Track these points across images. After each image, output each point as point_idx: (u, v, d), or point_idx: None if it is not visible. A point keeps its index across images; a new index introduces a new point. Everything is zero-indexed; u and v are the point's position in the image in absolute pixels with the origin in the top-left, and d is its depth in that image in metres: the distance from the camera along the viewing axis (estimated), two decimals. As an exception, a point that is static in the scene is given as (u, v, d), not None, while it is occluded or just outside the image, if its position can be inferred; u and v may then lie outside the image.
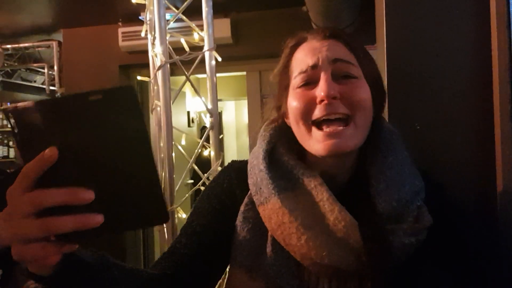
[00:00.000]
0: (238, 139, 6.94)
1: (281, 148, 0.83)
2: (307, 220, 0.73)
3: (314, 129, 0.77)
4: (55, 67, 4.59)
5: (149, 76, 2.00)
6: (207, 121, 1.98)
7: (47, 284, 0.57)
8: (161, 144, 1.76)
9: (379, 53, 1.22)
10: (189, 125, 5.83)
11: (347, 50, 0.79)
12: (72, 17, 4.15)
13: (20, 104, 0.49)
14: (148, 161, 0.50)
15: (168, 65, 1.76)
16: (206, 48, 1.92)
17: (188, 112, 5.85)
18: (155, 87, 1.83)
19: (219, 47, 1.99)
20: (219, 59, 1.95)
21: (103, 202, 0.49)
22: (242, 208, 0.83)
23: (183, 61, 1.93)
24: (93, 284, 0.65)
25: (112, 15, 4.04)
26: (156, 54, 1.75)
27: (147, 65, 4.20)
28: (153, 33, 1.82)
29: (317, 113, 0.76)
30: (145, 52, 3.69)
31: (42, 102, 0.48)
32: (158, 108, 1.84)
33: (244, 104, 6.54)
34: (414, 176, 0.79)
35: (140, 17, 3.94)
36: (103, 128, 0.49)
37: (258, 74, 4.24)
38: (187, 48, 1.90)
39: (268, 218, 0.77)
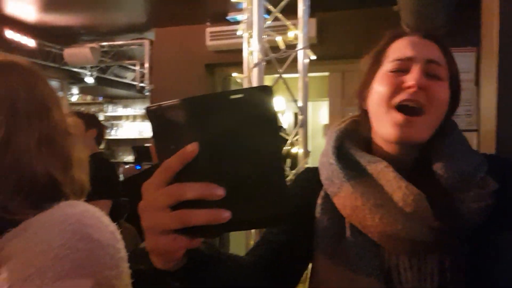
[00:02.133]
0: (314, 140, 6.91)
1: (348, 144, 0.90)
2: (378, 200, 0.78)
3: (393, 111, 0.82)
4: (146, 65, 4.85)
5: (237, 74, 2.04)
6: (286, 120, 1.99)
7: (173, 279, 0.61)
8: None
9: (485, 54, 1.16)
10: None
11: (441, 53, 0.85)
12: (164, 17, 4.37)
13: (164, 103, 0.52)
14: (277, 161, 0.51)
15: (263, 63, 1.79)
16: (300, 46, 1.94)
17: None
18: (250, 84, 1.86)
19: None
20: (313, 57, 1.96)
21: (231, 199, 0.50)
22: (319, 201, 0.89)
23: (271, 60, 1.96)
24: (214, 276, 0.68)
25: (201, 16, 4.19)
26: (252, 52, 1.80)
27: (232, 64, 4.37)
28: (249, 31, 1.87)
29: (401, 97, 0.81)
30: (231, 51, 3.78)
31: (187, 100, 0.51)
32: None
33: (320, 105, 6.50)
34: (474, 153, 0.85)
35: (227, 18, 4.06)
36: (240, 126, 0.50)
37: (341, 75, 4.19)
38: (282, 46, 1.93)
39: (343, 206, 0.83)
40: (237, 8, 4.04)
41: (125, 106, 8.20)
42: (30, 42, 4.56)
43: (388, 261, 0.80)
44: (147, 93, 5.60)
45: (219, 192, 0.49)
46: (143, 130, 7.79)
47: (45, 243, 0.66)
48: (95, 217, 0.73)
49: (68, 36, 4.92)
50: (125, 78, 5.98)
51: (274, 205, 0.51)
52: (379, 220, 0.77)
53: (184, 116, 0.50)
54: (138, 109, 7.99)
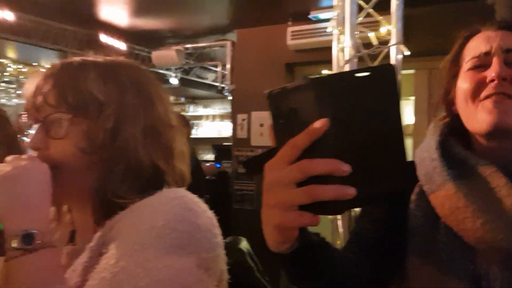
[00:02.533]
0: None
1: (452, 141, 0.86)
2: (483, 204, 0.75)
3: (481, 104, 0.80)
4: (228, 66, 4.97)
5: (314, 73, 2.02)
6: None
7: (286, 262, 0.63)
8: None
9: None
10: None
11: None
12: (246, 17, 4.45)
13: (288, 85, 0.54)
14: (400, 138, 0.52)
15: (355, 60, 1.76)
16: (393, 42, 1.88)
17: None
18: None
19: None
20: (407, 53, 1.90)
21: (354, 175, 0.50)
22: (412, 197, 0.86)
23: (362, 56, 1.92)
24: (323, 262, 0.69)
25: (282, 15, 4.21)
26: (343, 48, 1.77)
27: (313, 63, 4.35)
28: (339, 28, 1.85)
29: (486, 92, 0.79)
30: (312, 50, 3.75)
31: (315, 80, 0.51)
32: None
33: (405, 104, 6.26)
34: None
35: (309, 16, 4.04)
36: (366, 103, 0.51)
37: (427, 73, 4.00)
38: (375, 42, 1.89)
39: (440, 204, 0.80)
40: (320, 7, 4.03)
41: (205, 106, 8.48)
42: (121, 45, 4.85)
43: (479, 268, 0.77)
44: (226, 93, 5.74)
45: (346, 168, 0.50)
46: (222, 129, 8.01)
47: (149, 223, 0.72)
48: (194, 202, 0.78)
49: (156, 39, 5.17)
50: (206, 79, 6.17)
51: (394, 181, 0.52)
52: (480, 225, 0.73)
53: (311, 95, 0.51)
54: (218, 109, 8.22)
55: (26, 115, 0.83)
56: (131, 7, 4.29)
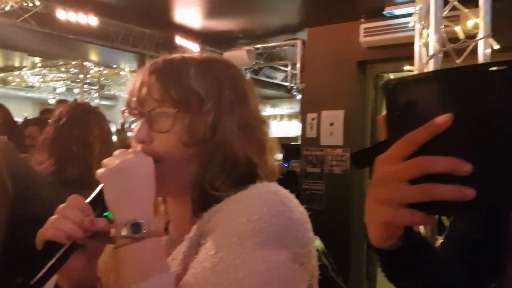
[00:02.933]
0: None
1: None
2: None
3: None
4: (298, 65, 4.96)
5: (410, 67, 1.95)
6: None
7: (389, 259, 0.61)
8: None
9: None
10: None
11: None
12: (317, 16, 4.41)
13: (409, 76, 0.52)
14: None
15: (440, 54, 1.69)
16: (480, 35, 1.78)
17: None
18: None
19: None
20: (496, 46, 1.79)
21: (475, 177, 0.47)
22: None
23: (446, 52, 1.83)
24: (426, 263, 0.66)
25: (355, 12, 4.14)
26: (426, 44, 1.71)
27: (386, 60, 4.22)
28: (421, 22, 1.78)
29: None
30: (385, 47, 3.63)
31: (440, 71, 0.50)
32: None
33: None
34: None
35: (384, 12, 3.94)
36: (499, 100, 0.47)
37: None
38: (462, 36, 1.80)
39: None
40: (395, 2, 3.91)
41: (273, 106, 8.54)
42: (195, 47, 5.00)
43: None
44: (295, 93, 5.72)
45: (467, 168, 0.47)
46: (290, 129, 8.00)
47: (245, 216, 0.73)
48: (287, 197, 0.79)
49: (227, 40, 5.28)
50: (275, 78, 6.20)
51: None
52: None
53: (434, 87, 0.49)
54: (286, 108, 8.24)
55: (129, 110, 0.87)
56: (204, 9, 4.41)
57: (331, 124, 4.35)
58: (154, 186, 0.79)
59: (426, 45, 1.71)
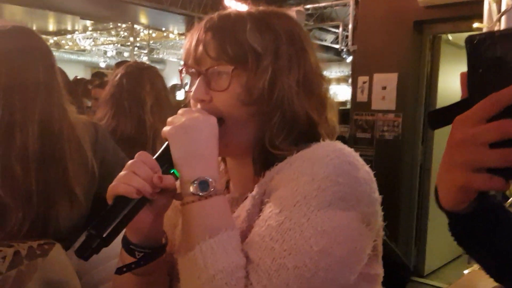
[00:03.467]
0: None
1: None
2: None
3: None
4: (350, 25, 4.79)
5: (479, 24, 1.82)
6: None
7: (461, 222, 0.59)
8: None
9: None
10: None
11: None
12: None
13: (499, 31, 0.49)
14: None
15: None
16: None
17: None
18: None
19: None
20: None
21: None
22: None
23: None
24: (500, 228, 0.62)
25: (413, -32, 3.90)
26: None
27: (445, 20, 3.99)
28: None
29: None
30: (445, 5, 3.42)
31: None
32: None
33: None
34: None
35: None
36: None
37: None
38: (541, -11, 1.64)
39: None
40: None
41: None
42: (244, 8, 4.91)
43: None
44: (344, 56, 5.55)
45: None
46: (339, 93, 7.84)
47: (309, 175, 0.72)
48: (352, 155, 0.77)
49: (277, 0, 5.14)
50: (325, 40, 6.04)
51: None
52: None
53: None
54: (334, 72, 8.05)
55: (186, 69, 0.86)
56: (254, -32, 4.28)
57: (384, 88, 4.21)
58: (217, 145, 0.78)
59: (497, 0, 1.58)
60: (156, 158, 0.77)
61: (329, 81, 0.88)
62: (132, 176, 0.73)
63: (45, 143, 1.11)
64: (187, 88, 0.88)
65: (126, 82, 1.85)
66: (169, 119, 0.79)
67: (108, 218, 0.71)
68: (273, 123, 0.80)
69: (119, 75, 1.88)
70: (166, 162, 0.76)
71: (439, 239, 4.40)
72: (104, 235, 0.69)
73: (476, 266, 2.31)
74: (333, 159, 0.73)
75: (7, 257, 0.98)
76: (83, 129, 1.23)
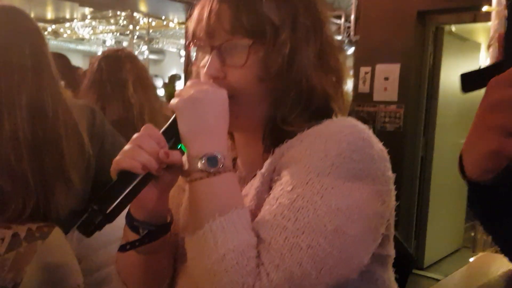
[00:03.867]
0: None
1: None
2: None
3: None
4: (352, 16, 4.73)
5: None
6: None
7: (487, 193, 0.56)
8: None
9: None
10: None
11: None
12: (376, -38, 4.14)
13: None
14: None
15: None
16: None
17: (480, 67, 5.28)
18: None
19: None
20: None
21: None
22: None
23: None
24: None
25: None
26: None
27: (449, 10, 3.95)
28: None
29: None
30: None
31: None
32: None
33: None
34: None
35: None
36: None
37: None
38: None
39: None
40: None
41: (321, 61, 8.30)
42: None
43: None
44: (346, 47, 5.49)
45: None
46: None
47: (322, 152, 0.70)
48: (366, 132, 0.74)
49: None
50: (327, 31, 5.98)
51: None
52: None
53: None
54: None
55: (195, 42, 0.81)
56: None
57: (386, 79, 4.17)
58: (228, 120, 0.74)
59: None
60: (163, 132, 0.73)
61: (345, 53, 0.85)
62: (138, 150, 0.69)
63: (37, 128, 1.07)
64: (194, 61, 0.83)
65: (105, 64, 1.82)
66: (177, 91, 0.75)
67: (112, 193, 0.68)
68: (289, 99, 0.77)
69: (97, 61, 1.85)
70: (173, 136, 0.73)
71: (439, 232, 4.40)
72: (107, 211, 0.67)
73: (481, 255, 2.30)
74: (347, 135, 0.71)
75: (5, 239, 0.95)
76: (80, 113, 1.20)
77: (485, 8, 2.02)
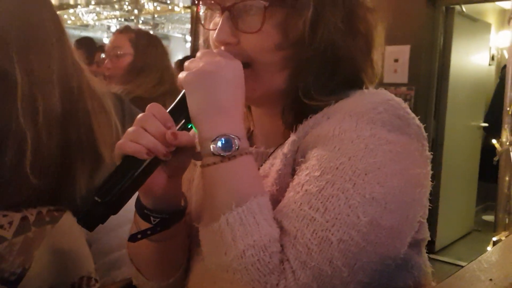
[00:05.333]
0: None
1: None
2: None
3: None
4: None
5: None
6: None
7: None
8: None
9: None
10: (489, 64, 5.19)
11: None
12: None
13: None
14: None
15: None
16: None
17: (490, 48, 5.19)
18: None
19: None
20: None
21: None
22: None
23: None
24: None
25: None
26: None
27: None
28: None
29: None
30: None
31: None
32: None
33: None
34: None
35: None
36: None
37: None
38: None
39: None
40: None
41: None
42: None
43: None
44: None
45: None
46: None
47: (354, 132, 0.62)
48: (402, 107, 0.66)
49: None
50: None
51: None
52: None
53: None
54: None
55: (205, 1, 0.73)
56: None
57: (396, 61, 4.09)
58: (243, 95, 0.66)
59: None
60: (170, 111, 0.65)
61: (376, 13, 0.74)
62: (142, 132, 0.62)
63: (65, 103, 1.01)
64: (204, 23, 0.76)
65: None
66: (186, 64, 0.67)
67: (114, 182, 0.61)
68: (312, 70, 0.69)
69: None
70: (182, 115, 0.65)
71: (451, 215, 4.35)
72: (109, 202, 0.60)
73: (503, 234, 2.26)
74: (381, 113, 0.63)
75: (13, 223, 0.91)
76: (104, 94, 1.14)
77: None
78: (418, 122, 0.67)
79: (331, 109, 0.67)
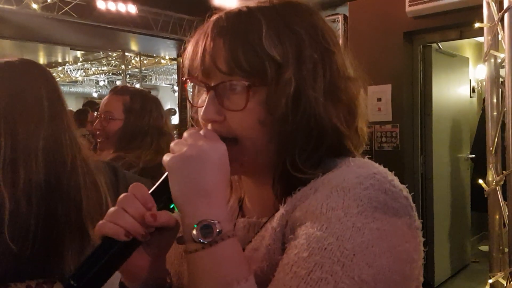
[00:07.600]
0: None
1: None
2: None
3: None
4: (340, 41, 4.80)
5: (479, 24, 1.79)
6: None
7: None
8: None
9: None
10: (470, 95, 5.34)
11: None
12: (359, -12, 4.23)
13: None
14: None
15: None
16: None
17: (470, 81, 5.35)
18: (498, 35, 1.62)
19: None
20: None
21: None
22: None
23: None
24: None
25: (399, -20, 3.93)
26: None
27: (435, 29, 4.00)
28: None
29: None
30: (433, 15, 3.44)
31: None
32: (493, 60, 1.64)
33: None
34: None
35: (431, -23, 3.71)
36: None
37: None
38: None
39: None
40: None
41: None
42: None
43: None
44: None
45: None
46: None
47: (341, 210, 0.61)
48: (388, 181, 0.65)
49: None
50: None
51: None
52: None
53: None
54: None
55: (191, 79, 0.74)
56: (241, -10, 4.31)
57: (379, 100, 4.19)
58: (228, 178, 0.68)
59: (496, 0, 1.56)
60: (153, 191, 0.66)
61: (358, 82, 0.74)
62: (121, 213, 0.62)
63: (53, 176, 1.03)
64: (191, 99, 0.77)
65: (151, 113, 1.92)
66: (172, 145, 0.67)
67: (90, 265, 0.60)
68: (296, 143, 0.68)
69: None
70: (164, 195, 0.65)
71: (447, 250, 4.33)
72: (84, 287, 0.59)
73: (500, 275, 2.25)
74: (367, 188, 0.63)
75: (3, 299, 0.92)
76: (98, 169, 1.16)
77: (477, 25, 2.03)
78: (405, 193, 0.67)
79: (318, 182, 0.67)
